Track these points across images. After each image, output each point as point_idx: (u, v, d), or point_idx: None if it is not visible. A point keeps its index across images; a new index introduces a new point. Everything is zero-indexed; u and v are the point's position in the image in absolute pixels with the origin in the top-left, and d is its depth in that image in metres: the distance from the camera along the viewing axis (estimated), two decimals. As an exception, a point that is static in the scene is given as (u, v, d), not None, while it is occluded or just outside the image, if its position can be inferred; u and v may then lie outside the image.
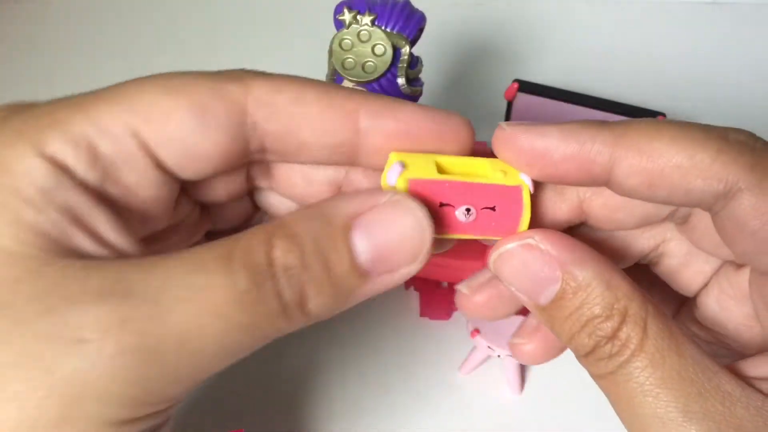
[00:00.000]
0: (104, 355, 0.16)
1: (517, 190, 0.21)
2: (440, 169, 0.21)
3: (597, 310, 0.19)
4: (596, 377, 0.20)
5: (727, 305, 0.23)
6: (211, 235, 0.27)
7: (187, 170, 0.20)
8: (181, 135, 0.19)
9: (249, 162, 0.23)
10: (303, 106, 0.20)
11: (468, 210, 0.20)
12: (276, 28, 0.63)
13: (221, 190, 0.23)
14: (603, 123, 0.20)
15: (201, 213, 0.25)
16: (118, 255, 0.19)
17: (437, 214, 0.20)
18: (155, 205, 0.21)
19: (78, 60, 0.59)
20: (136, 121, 0.19)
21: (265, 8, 0.65)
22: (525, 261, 0.20)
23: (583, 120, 0.20)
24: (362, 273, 0.19)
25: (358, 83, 0.32)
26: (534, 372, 0.38)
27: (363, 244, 0.19)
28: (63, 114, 0.18)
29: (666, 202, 0.21)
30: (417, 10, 0.33)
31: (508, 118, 0.46)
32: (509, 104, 0.45)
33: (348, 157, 0.22)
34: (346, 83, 0.33)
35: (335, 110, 0.20)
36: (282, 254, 0.18)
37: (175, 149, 0.19)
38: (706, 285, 0.24)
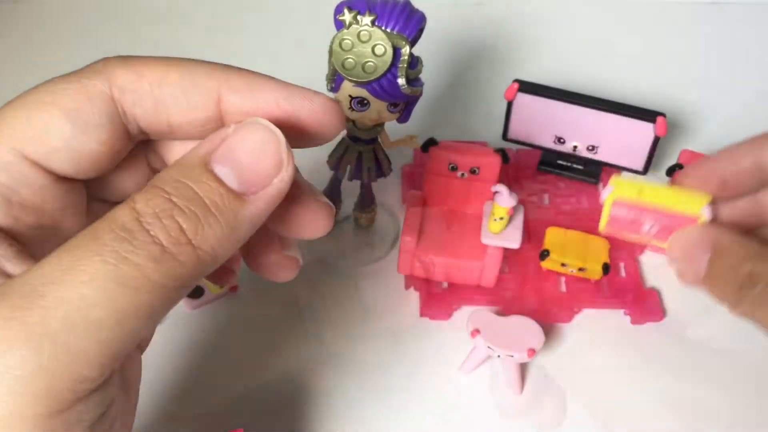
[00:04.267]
0: None
1: (692, 220, 0.26)
2: (641, 195, 0.26)
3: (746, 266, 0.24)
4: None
5: None
6: None
7: (84, 171, 0.21)
8: (64, 143, 0.20)
9: (144, 146, 0.23)
10: (166, 88, 0.21)
11: (651, 226, 0.27)
12: (276, 28, 0.63)
13: (129, 182, 0.24)
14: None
15: None
16: None
17: (630, 224, 0.27)
18: (67, 215, 0.22)
19: (77, 60, 0.59)
20: (20, 143, 0.20)
21: (264, 8, 0.65)
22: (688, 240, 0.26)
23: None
24: (237, 195, 0.19)
25: (358, 83, 0.32)
26: (534, 372, 0.38)
27: (225, 170, 0.19)
28: None
29: None
30: (417, 10, 0.33)
31: (508, 118, 0.46)
32: (509, 104, 0.45)
33: None
34: (347, 84, 0.33)
35: (198, 89, 0.21)
36: (144, 204, 0.18)
37: (64, 157, 0.20)
38: None
